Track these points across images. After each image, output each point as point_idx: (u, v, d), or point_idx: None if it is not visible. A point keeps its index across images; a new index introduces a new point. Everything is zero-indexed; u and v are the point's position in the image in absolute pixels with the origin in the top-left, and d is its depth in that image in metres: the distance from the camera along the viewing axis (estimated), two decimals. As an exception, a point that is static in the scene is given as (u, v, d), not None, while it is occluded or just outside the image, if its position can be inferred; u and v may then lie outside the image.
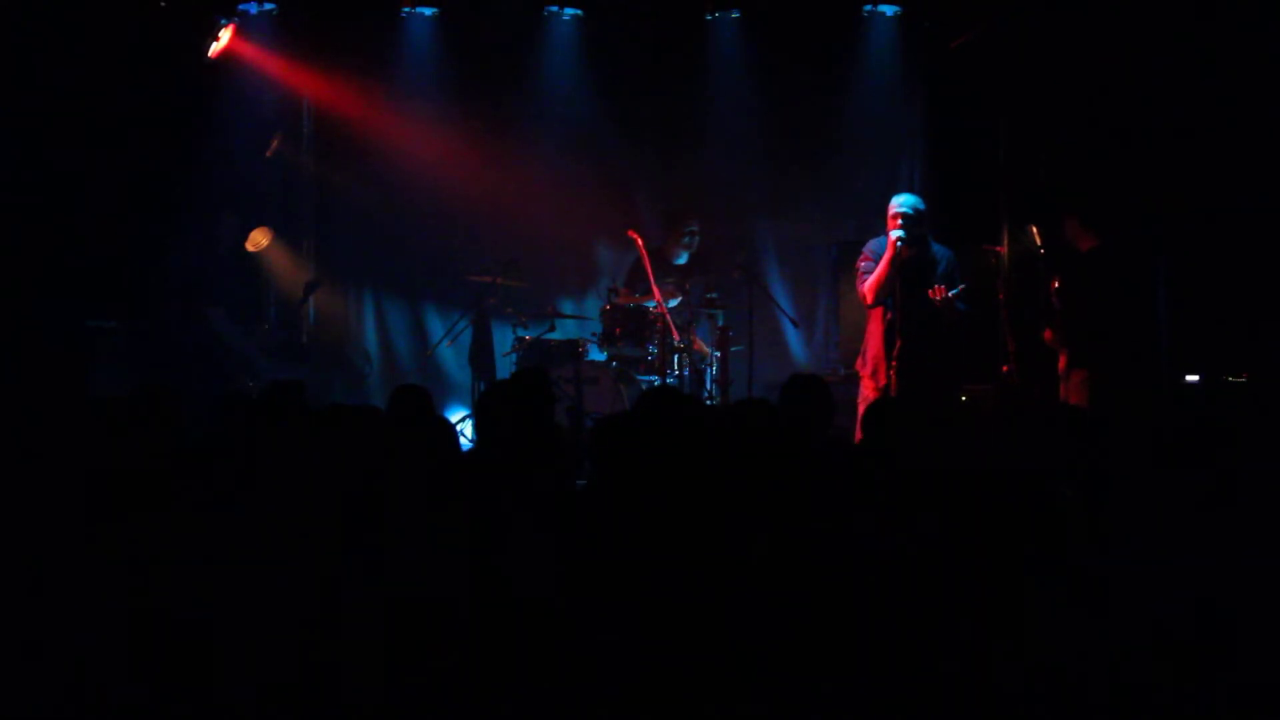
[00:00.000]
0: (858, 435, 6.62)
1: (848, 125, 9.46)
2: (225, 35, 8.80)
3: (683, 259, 8.70)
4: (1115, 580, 2.85)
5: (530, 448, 3.86)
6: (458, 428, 7.22)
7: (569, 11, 9.50)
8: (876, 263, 6.76)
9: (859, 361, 6.99)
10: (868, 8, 9.36)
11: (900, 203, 6.80)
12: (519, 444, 3.87)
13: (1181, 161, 7.93)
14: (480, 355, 8.72)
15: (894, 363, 6.63)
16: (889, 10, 9.36)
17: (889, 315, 6.73)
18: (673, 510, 3.11)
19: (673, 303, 8.30)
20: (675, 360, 8.17)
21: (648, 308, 8.25)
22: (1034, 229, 7.58)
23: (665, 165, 9.53)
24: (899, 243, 6.66)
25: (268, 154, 9.09)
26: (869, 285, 6.77)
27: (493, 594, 2.90)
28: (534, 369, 6.24)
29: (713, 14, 9.46)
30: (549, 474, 3.76)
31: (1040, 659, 2.71)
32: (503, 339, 8.76)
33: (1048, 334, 7.23)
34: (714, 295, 8.44)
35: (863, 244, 7.03)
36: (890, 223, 6.75)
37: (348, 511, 3.21)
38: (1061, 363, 7.19)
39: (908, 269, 6.70)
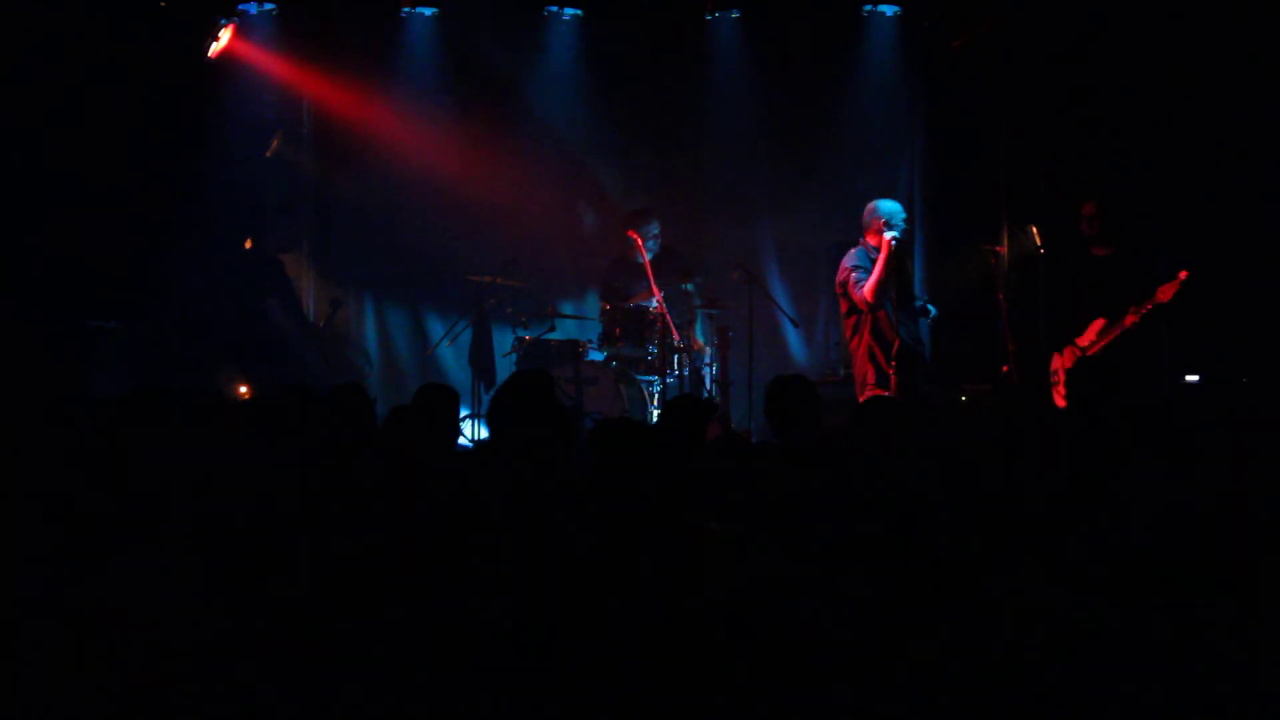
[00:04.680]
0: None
1: (848, 125, 9.46)
2: (225, 35, 8.81)
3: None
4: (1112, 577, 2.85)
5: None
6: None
7: (569, 11, 9.50)
8: (863, 272, 6.79)
9: (861, 379, 6.89)
10: (867, 8, 9.37)
11: (892, 211, 6.90)
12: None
13: (1182, 161, 7.93)
14: (480, 355, 8.71)
15: (893, 362, 6.66)
16: (889, 10, 9.36)
17: (881, 318, 6.76)
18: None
19: (651, 302, 8.25)
20: (675, 360, 8.16)
21: (647, 308, 8.25)
22: (1034, 229, 7.58)
23: (665, 165, 9.53)
24: (893, 243, 6.77)
25: (268, 154, 9.10)
26: (869, 287, 6.75)
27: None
28: (536, 370, 6.22)
29: (713, 14, 9.46)
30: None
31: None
32: (503, 339, 8.75)
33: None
34: (689, 286, 8.40)
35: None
36: (874, 225, 6.86)
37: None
38: (1054, 364, 7.20)
39: (899, 271, 6.84)
